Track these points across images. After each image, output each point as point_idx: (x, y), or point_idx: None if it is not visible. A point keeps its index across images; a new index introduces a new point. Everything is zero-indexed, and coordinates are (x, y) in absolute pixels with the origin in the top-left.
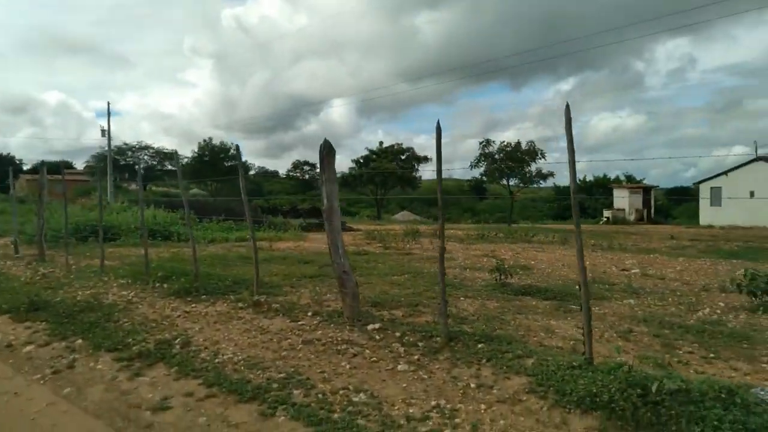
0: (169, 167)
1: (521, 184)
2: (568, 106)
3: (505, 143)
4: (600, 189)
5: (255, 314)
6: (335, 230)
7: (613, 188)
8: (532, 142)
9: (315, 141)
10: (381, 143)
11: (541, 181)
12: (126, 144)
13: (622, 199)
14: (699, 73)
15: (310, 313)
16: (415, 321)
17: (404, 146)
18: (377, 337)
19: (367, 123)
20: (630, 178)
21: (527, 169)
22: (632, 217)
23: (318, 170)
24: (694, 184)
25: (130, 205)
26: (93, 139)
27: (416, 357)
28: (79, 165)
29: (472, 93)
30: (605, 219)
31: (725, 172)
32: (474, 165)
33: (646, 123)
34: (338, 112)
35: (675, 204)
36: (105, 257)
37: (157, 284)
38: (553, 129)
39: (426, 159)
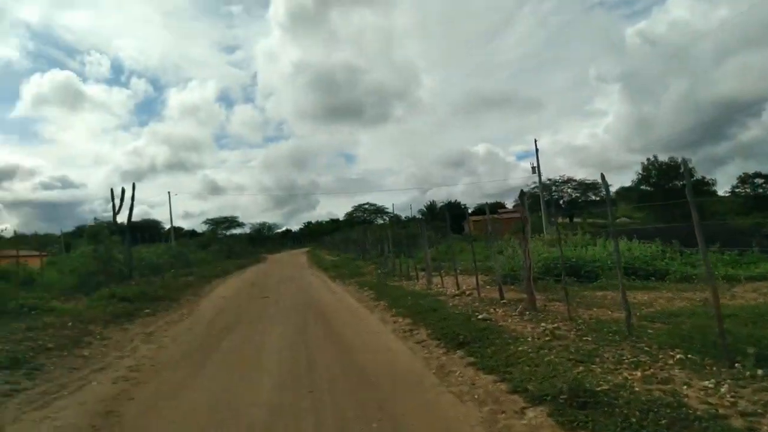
0: (593, 197)
1: None
2: None
3: None
4: None
5: None
6: None
7: None
8: None
9: (756, 148)
10: None
11: None
12: (549, 180)
13: None
14: None
15: None
16: None
17: None
18: None
19: None
20: None
21: None
22: None
23: None
24: None
25: (592, 238)
26: (517, 179)
27: None
28: (509, 203)
29: None
30: None
31: None
32: None
33: None
34: None
35: None
36: (587, 301)
37: (747, 371)
38: None
39: None
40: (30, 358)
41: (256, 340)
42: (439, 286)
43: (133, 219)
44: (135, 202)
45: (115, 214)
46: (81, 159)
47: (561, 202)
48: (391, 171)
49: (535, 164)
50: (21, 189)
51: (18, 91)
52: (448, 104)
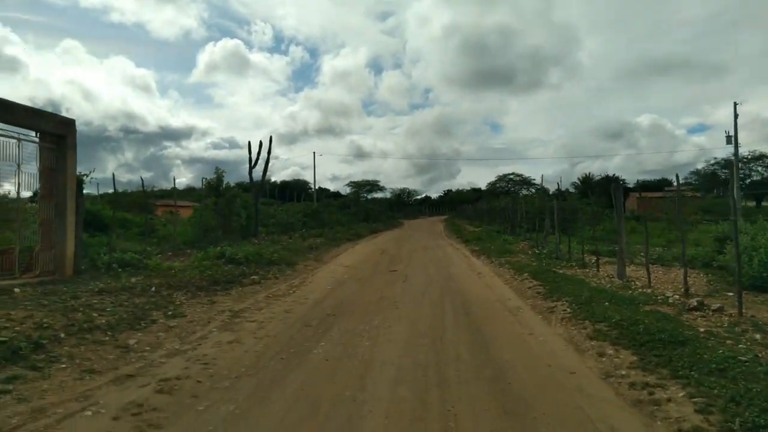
0: None
1: None
2: None
3: None
4: None
5: None
6: None
7: None
8: None
9: None
10: None
11: None
12: (733, 155)
13: None
14: None
15: None
16: None
17: None
18: None
19: None
20: None
21: None
22: None
23: None
24: None
25: None
26: (687, 153)
27: None
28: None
29: None
30: None
31: None
32: None
33: None
34: None
35: None
36: None
37: None
38: None
39: None
40: (49, 344)
41: (361, 351)
42: (639, 281)
43: (286, 179)
44: (288, 163)
45: (251, 168)
46: (244, 121)
47: (746, 182)
48: (539, 141)
49: (731, 133)
50: (196, 148)
51: (195, 59)
52: (610, 70)
